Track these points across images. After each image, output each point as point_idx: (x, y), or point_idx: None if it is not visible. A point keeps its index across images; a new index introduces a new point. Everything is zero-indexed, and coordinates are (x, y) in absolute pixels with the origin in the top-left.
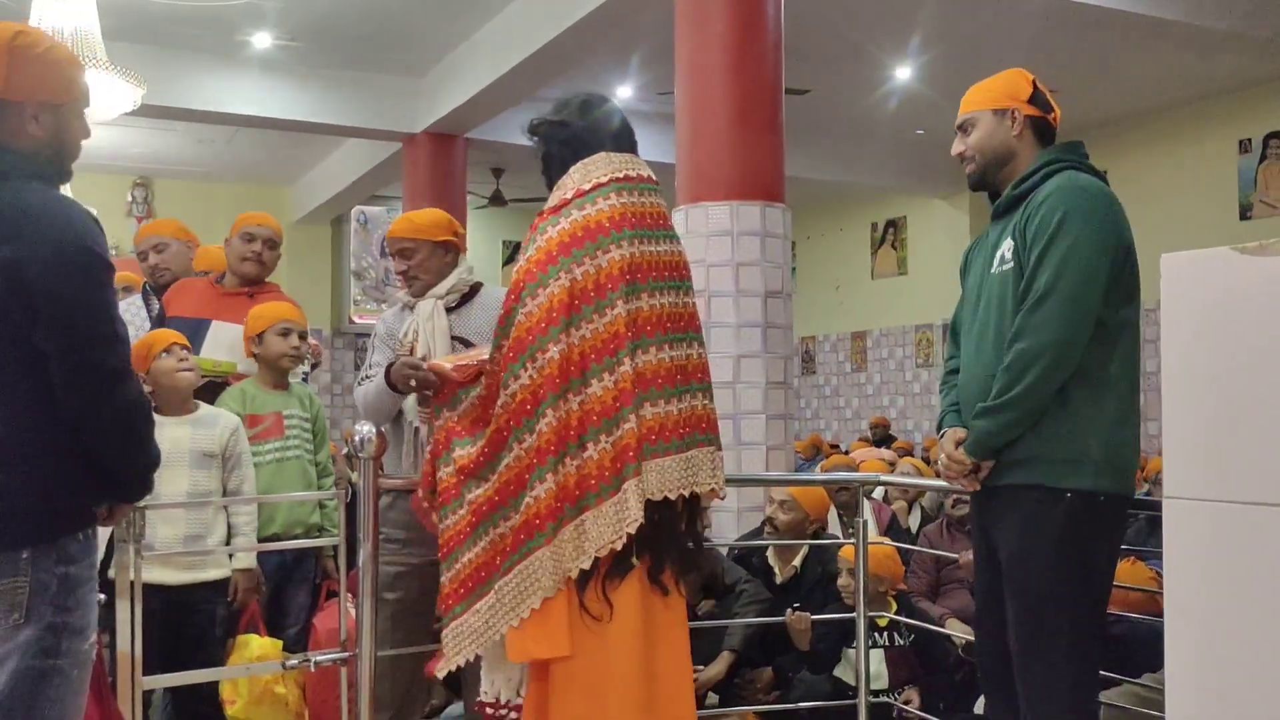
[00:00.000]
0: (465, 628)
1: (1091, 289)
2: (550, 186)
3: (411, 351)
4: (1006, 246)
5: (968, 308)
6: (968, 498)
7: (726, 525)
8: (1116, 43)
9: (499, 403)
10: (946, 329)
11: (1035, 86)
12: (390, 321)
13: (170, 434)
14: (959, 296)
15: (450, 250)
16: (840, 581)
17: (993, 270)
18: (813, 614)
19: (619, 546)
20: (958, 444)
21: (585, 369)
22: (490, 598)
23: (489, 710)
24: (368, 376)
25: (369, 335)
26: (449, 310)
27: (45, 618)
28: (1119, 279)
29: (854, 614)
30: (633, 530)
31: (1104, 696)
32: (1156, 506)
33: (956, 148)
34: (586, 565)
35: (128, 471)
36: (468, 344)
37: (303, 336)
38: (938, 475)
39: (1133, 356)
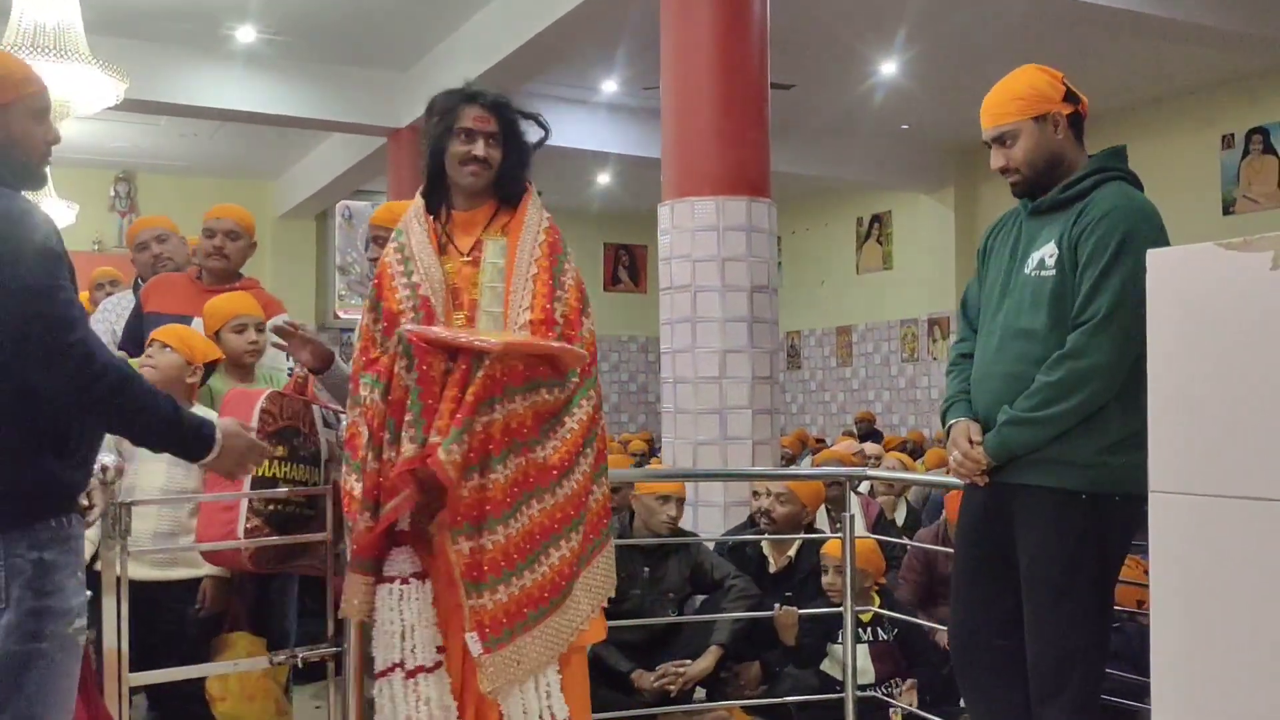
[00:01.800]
0: (522, 651)
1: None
2: (523, 181)
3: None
4: (1048, 252)
5: (989, 300)
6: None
7: (713, 519)
8: (1100, 38)
9: (568, 424)
10: (931, 324)
11: (1063, 82)
12: None
13: None
14: (970, 278)
15: None
16: (826, 580)
17: (1028, 271)
18: (804, 605)
19: None
20: (973, 442)
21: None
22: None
23: None
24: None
25: (354, 330)
26: None
27: (25, 602)
28: None
29: (840, 609)
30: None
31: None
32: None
33: (997, 161)
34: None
35: (149, 436)
36: None
37: (260, 329)
38: (925, 470)
39: None
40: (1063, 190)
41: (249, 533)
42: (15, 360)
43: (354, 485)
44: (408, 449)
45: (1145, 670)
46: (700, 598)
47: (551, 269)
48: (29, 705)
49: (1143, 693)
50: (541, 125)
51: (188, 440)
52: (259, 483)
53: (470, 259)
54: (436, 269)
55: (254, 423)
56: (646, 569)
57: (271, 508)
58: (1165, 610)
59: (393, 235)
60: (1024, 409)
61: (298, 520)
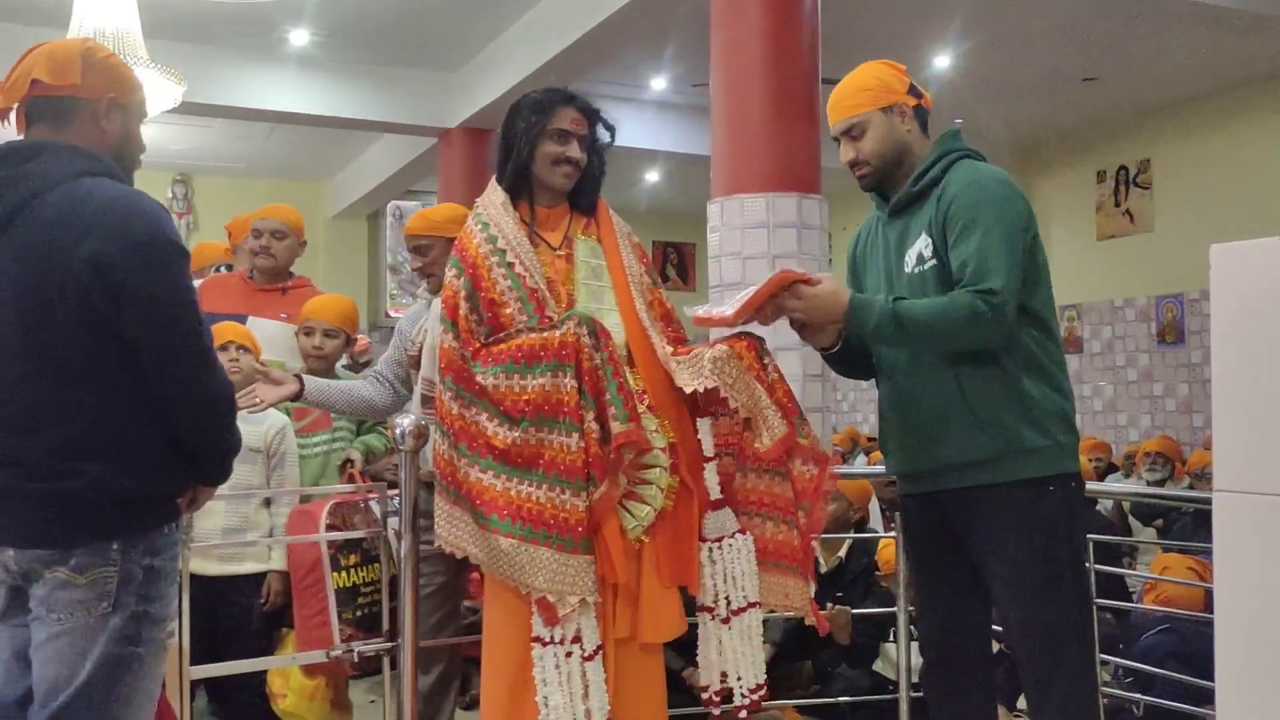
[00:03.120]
0: None
1: (1016, 284)
2: (600, 187)
3: (419, 351)
4: (922, 245)
5: None
6: None
7: None
8: (1157, 28)
9: None
10: None
11: (906, 75)
12: (407, 318)
13: None
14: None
15: None
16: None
17: (909, 270)
18: (855, 603)
19: None
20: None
21: None
22: None
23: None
24: (376, 374)
25: None
26: None
27: (129, 607)
28: (1032, 265)
29: (894, 609)
30: None
31: None
32: (1202, 501)
33: (847, 154)
34: None
35: (212, 454)
36: None
37: (329, 335)
38: None
39: (1058, 335)
40: (914, 182)
41: (345, 640)
42: (152, 365)
43: (484, 478)
44: (618, 426)
45: (1205, 673)
46: None
47: (649, 270)
48: (119, 707)
49: (1201, 697)
50: (610, 131)
51: (229, 468)
52: (342, 594)
53: (563, 254)
54: (534, 261)
55: (323, 542)
56: None
57: (360, 613)
58: (1230, 612)
59: (475, 227)
60: (915, 314)
61: (380, 617)
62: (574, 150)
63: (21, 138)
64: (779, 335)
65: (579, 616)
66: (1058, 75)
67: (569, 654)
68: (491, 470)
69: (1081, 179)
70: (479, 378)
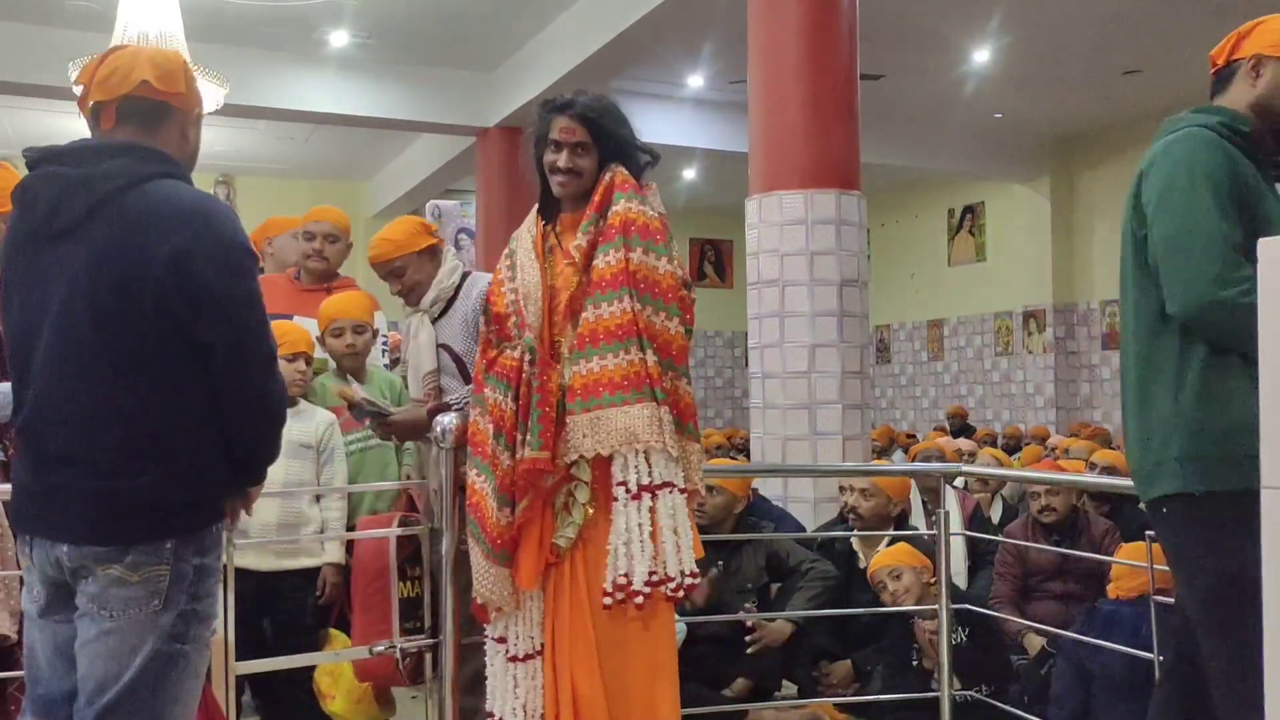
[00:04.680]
0: None
1: None
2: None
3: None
4: None
5: None
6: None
7: (803, 515)
8: (1201, 20)
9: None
10: (1026, 316)
11: None
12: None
13: None
14: (1116, 254)
15: (434, 252)
16: (891, 590)
17: None
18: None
19: None
20: None
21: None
22: None
23: None
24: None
25: None
26: (436, 319)
27: (179, 605)
28: None
29: (934, 608)
30: None
31: None
32: None
33: None
34: None
35: (256, 459)
36: (452, 352)
37: (359, 330)
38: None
39: None
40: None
41: (404, 645)
42: (221, 369)
43: (481, 484)
44: (528, 451)
45: None
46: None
47: (644, 290)
48: (164, 703)
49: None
50: (651, 155)
51: (265, 474)
52: (405, 603)
53: (573, 262)
54: (534, 273)
55: (392, 551)
56: (720, 563)
57: (419, 624)
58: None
59: (509, 242)
60: None
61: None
62: (564, 159)
63: (90, 135)
64: (817, 333)
65: (505, 619)
66: (1099, 68)
67: (496, 651)
68: (476, 469)
69: (1125, 173)
70: (486, 388)
